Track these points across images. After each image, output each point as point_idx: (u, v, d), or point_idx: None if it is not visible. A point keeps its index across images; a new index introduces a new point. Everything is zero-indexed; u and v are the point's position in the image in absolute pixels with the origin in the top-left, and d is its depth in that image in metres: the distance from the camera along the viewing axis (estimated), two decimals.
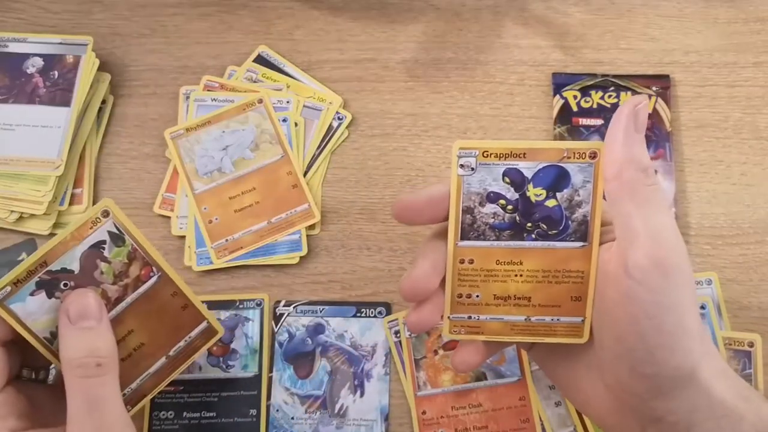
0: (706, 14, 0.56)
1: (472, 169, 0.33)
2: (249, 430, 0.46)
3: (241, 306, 0.49)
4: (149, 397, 0.39)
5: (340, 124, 0.53)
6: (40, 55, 0.53)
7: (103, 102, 0.54)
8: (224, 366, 0.47)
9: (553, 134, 0.52)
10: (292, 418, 0.47)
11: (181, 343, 0.40)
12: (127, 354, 0.37)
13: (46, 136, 0.51)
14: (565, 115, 0.53)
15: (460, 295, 0.35)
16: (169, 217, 0.51)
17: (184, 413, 0.46)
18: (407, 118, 0.54)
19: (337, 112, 0.53)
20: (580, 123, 0.52)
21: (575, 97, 0.53)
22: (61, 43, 0.53)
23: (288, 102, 0.53)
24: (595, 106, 0.53)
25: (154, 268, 0.38)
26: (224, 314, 0.49)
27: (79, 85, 0.52)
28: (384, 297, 0.49)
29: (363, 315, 0.49)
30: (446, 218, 0.35)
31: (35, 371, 0.38)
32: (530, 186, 0.33)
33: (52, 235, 0.50)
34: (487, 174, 0.33)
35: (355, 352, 0.48)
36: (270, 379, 0.47)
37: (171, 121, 0.53)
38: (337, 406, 0.47)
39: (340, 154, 0.53)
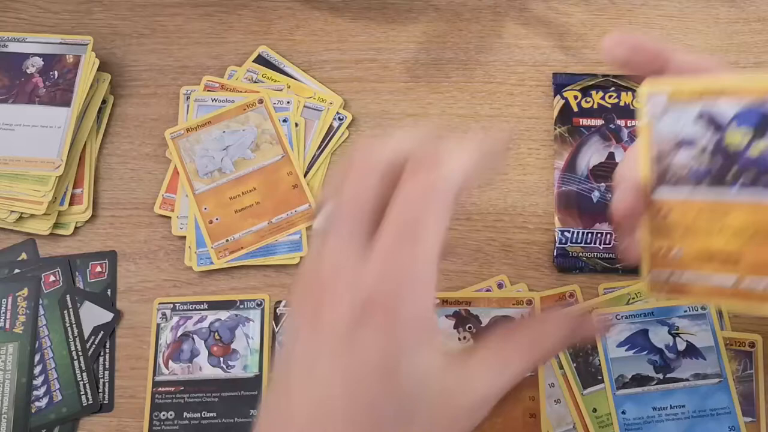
0: (707, 14, 0.56)
1: (663, 112, 0.29)
2: (249, 431, 0.46)
3: (241, 306, 0.49)
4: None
5: (340, 125, 0.53)
6: (39, 55, 0.53)
7: (103, 102, 0.54)
8: (225, 366, 0.47)
9: (554, 134, 0.52)
10: None
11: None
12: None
13: (46, 136, 0.51)
14: (565, 115, 0.53)
15: (658, 251, 0.31)
16: (169, 218, 0.51)
17: (185, 413, 0.46)
18: (407, 118, 0.54)
19: (338, 113, 0.53)
20: (581, 123, 0.52)
21: (576, 97, 0.53)
22: (61, 43, 0.53)
23: (288, 102, 0.53)
24: (595, 106, 0.53)
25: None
26: (225, 315, 0.48)
27: (79, 85, 0.52)
28: None
29: None
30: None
31: None
32: (732, 126, 0.28)
33: (52, 235, 0.50)
34: (680, 116, 0.29)
35: None
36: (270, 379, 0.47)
37: (171, 122, 0.53)
38: None
39: (340, 154, 0.53)
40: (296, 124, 0.52)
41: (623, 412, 0.46)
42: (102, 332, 0.48)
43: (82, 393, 0.47)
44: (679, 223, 0.30)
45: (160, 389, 0.47)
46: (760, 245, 0.29)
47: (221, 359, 0.47)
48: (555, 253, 0.49)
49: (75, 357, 0.48)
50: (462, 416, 0.26)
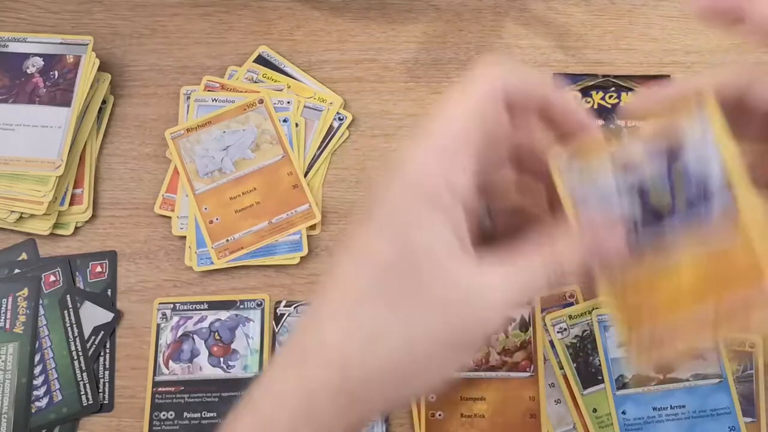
0: None
1: (576, 174, 0.28)
2: None
3: (241, 306, 0.49)
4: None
5: (340, 125, 0.53)
6: (40, 55, 0.53)
7: (103, 102, 0.54)
8: (225, 366, 0.47)
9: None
10: None
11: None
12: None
13: (46, 136, 0.51)
14: None
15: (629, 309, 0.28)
16: (169, 218, 0.51)
17: (185, 413, 0.46)
18: (408, 118, 0.54)
19: (338, 113, 0.53)
20: None
21: (576, 97, 0.53)
22: (61, 43, 0.53)
23: (288, 102, 0.53)
24: (595, 106, 0.53)
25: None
26: (225, 315, 0.48)
27: (80, 85, 0.52)
28: None
29: None
30: None
31: None
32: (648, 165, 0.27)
33: (52, 235, 0.50)
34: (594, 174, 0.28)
35: None
36: None
37: (171, 121, 0.53)
38: None
39: (340, 154, 0.53)
40: (296, 124, 0.52)
41: (623, 412, 0.46)
42: (102, 332, 0.48)
43: (82, 393, 0.47)
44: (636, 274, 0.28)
45: (160, 389, 0.47)
46: (721, 287, 0.27)
47: (221, 359, 0.47)
48: None
49: (75, 357, 0.48)
50: (468, 311, 0.25)
